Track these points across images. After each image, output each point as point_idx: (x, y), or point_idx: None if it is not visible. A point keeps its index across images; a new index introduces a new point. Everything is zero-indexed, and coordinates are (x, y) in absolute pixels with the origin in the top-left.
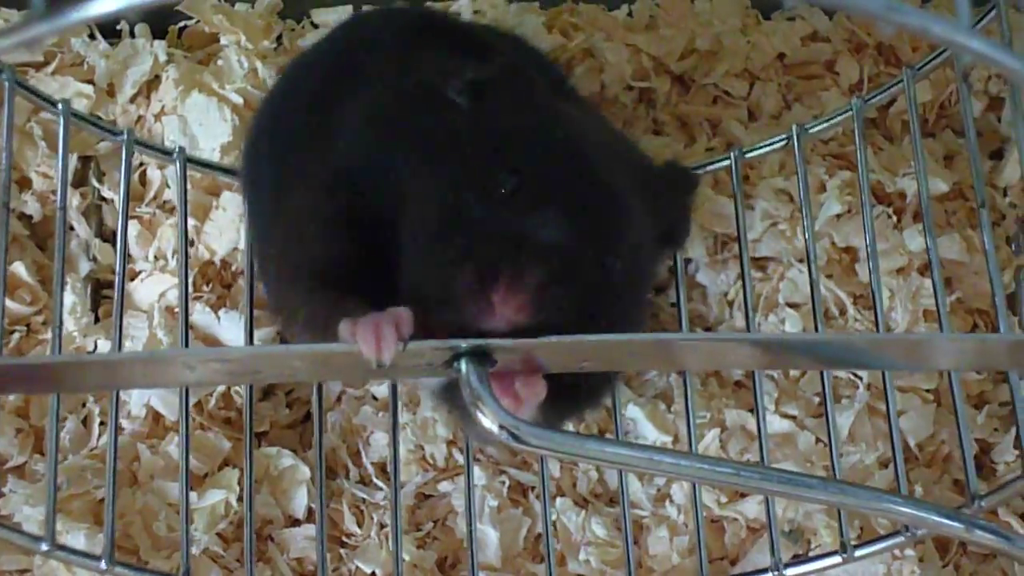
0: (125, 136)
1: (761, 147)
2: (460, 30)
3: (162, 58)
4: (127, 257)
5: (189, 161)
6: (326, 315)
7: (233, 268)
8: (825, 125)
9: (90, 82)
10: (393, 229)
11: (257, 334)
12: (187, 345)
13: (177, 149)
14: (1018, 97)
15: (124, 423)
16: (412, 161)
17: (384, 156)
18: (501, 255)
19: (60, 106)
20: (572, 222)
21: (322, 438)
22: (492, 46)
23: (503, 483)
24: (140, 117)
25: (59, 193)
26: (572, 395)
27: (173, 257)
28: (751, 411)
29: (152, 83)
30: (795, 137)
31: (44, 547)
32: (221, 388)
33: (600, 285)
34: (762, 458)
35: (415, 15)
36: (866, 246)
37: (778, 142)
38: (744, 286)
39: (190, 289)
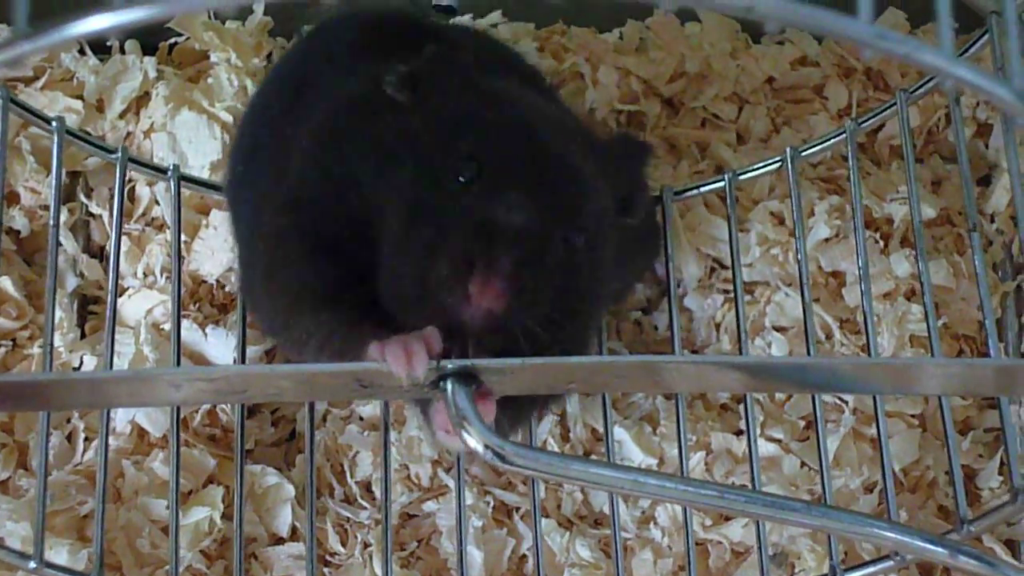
0: (119, 154)
1: (753, 169)
2: (405, 29)
3: (152, 75)
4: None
5: (183, 179)
6: (343, 340)
7: (227, 288)
8: (818, 148)
9: (79, 97)
10: (363, 238)
11: (246, 352)
12: (178, 363)
13: (171, 167)
14: (1008, 124)
15: (109, 440)
16: (368, 167)
17: (340, 167)
18: (472, 244)
19: (55, 123)
20: (536, 203)
21: (313, 457)
22: (428, 39)
23: (487, 503)
24: (129, 133)
25: (52, 210)
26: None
27: (162, 274)
28: (736, 434)
29: (142, 99)
30: (788, 160)
31: (32, 565)
32: (207, 405)
33: (566, 261)
34: (752, 481)
35: (368, 18)
36: (858, 269)
37: (771, 164)
38: (737, 309)
39: (173, 305)
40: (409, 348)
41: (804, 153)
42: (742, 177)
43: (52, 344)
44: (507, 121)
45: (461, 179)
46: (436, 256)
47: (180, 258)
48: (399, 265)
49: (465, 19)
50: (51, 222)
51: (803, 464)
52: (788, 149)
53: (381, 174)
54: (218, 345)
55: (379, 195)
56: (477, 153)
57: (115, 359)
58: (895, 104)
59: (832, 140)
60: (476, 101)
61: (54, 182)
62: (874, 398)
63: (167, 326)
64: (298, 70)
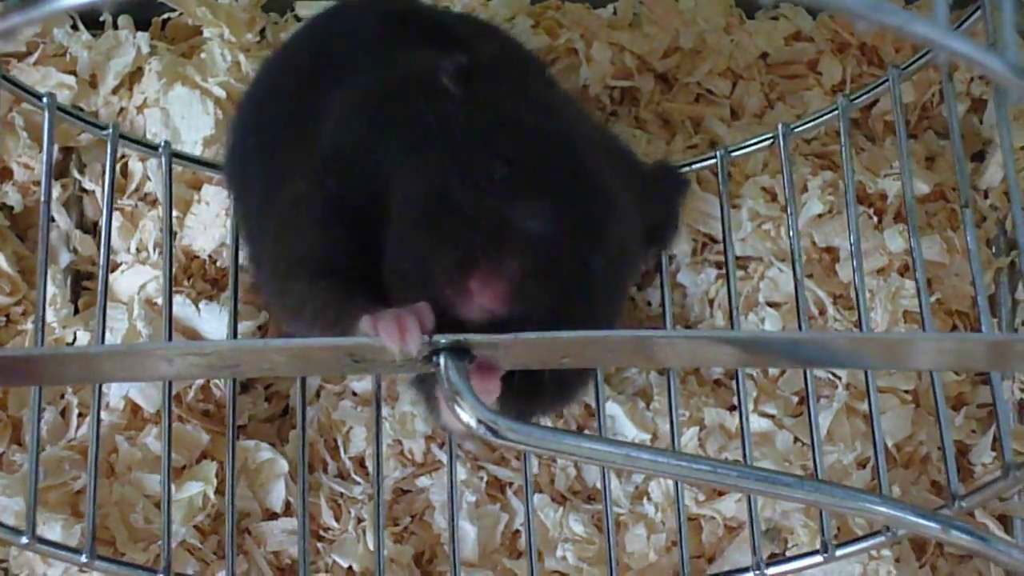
0: (110, 131)
1: (746, 146)
2: (442, 19)
3: (145, 50)
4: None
5: (174, 156)
6: (337, 311)
7: (218, 263)
8: (811, 124)
9: (72, 73)
10: (380, 213)
11: (238, 327)
12: (170, 338)
13: (162, 144)
14: (1001, 98)
15: (103, 415)
16: (401, 146)
17: (372, 142)
18: (483, 242)
19: (45, 99)
20: (558, 215)
21: (305, 432)
22: (476, 36)
23: (481, 479)
24: (122, 109)
25: (43, 187)
26: (538, 392)
27: (154, 250)
28: (730, 410)
29: (135, 75)
30: (781, 136)
31: (24, 540)
32: (200, 380)
33: (581, 282)
34: (744, 456)
35: (396, 4)
36: (850, 245)
37: (763, 141)
38: (728, 285)
39: (165, 280)
40: (402, 322)
41: (798, 129)
42: (735, 154)
43: (44, 319)
44: (549, 133)
45: (491, 177)
46: (447, 243)
47: (172, 234)
48: (410, 244)
49: None
50: (42, 198)
51: (796, 439)
52: (780, 125)
53: (413, 156)
54: (211, 320)
55: (405, 175)
56: (512, 155)
57: (108, 335)
58: (888, 80)
59: (825, 116)
60: (524, 107)
61: (45, 158)
62: (866, 373)
63: (160, 301)
64: (323, 49)
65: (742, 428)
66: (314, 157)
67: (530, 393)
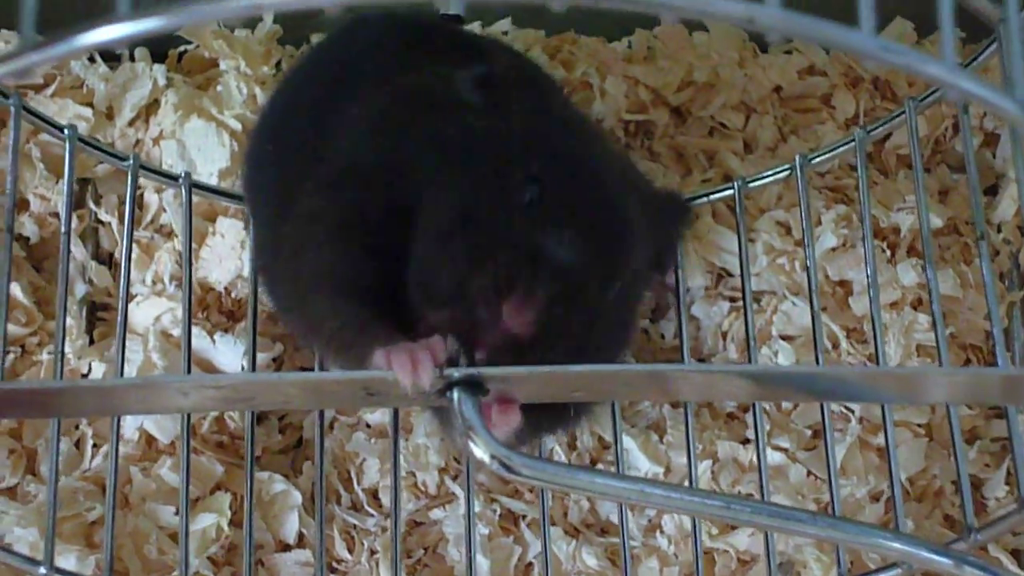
0: (131, 162)
1: (762, 177)
2: (461, 35)
3: (161, 82)
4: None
5: (194, 187)
6: (353, 335)
7: (233, 295)
8: (827, 156)
9: (89, 105)
10: (400, 228)
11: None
12: (189, 370)
13: (182, 174)
14: (1015, 133)
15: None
16: (424, 159)
17: (393, 154)
18: (520, 267)
19: (67, 131)
20: (587, 245)
21: (323, 464)
22: (494, 50)
23: (494, 511)
24: (139, 141)
25: (63, 218)
26: (543, 415)
27: (170, 281)
28: (743, 443)
29: (151, 107)
30: (798, 168)
31: (43, 571)
32: (214, 412)
33: (597, 308)
34: (761, 491)
35: (415, 19)
36: (866, 278)
37: (780, 172)
38: (746, 318)
39: (182, 312)
40: (415, 356)
41: (813, 161)
42: (751, 185)
43: (63, 352)
44: (575, 155)
45: (523, 198)
46: (481, 264)
47: (191, 264)
48: (439, 261)
49: (475, 26)
50: (62, 229)
51: (809, 473)
52: (797, 157)
53: (438, 169)
54: (227, 352)
55: (431, 189)
56: (543, 177)
57: (124, 366)
58: (904, 113)
59: (841, 148)
60: (548, 124)
61: (66, 189)
62: (882, 407)
63: (176, 332)
64: (341, 61)
65: (759, 463)
66: (331, 170)
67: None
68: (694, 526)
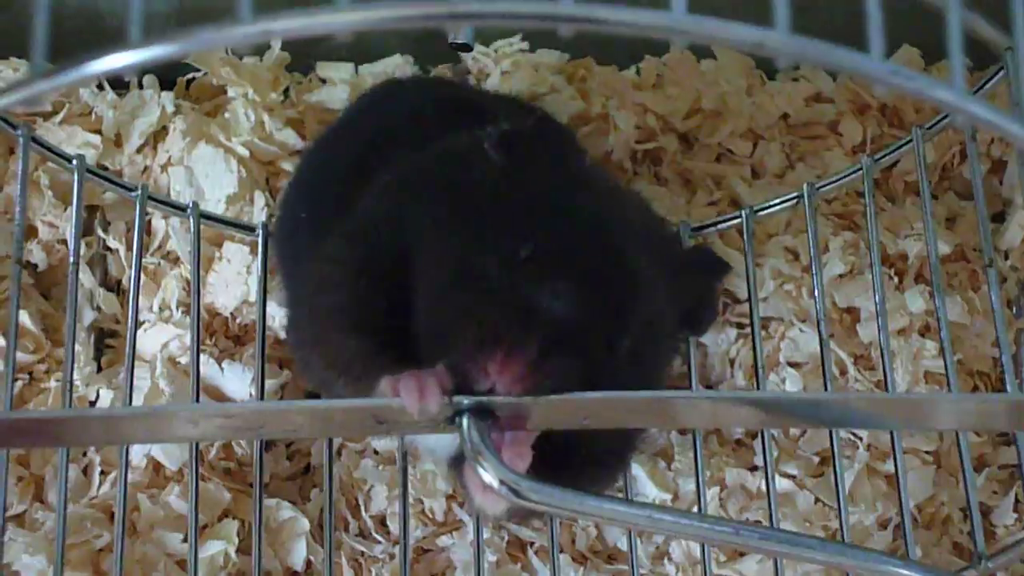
0: (139, 192)
1: (771, 205)
2: (487, 101)
3: (170, 109)
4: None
5: (202, 216)
6: (362, 367)
7: (239, 321)
8: (835, 184)
9: (98, 132)
10: (410, 276)
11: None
12: (198, 399)
13: (190, 204)
14: (1021, 158)
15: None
16: (435, 212)
17: (407, 207)
18: (505, 320)
19: (75, 162)
20: (582, 296)
21: (332, 492)
22: (518, 112)
23: (502, 538)
24: (147, 168)
25: (71, 248)
26: (577, 470)
27: (177, 308)
28: (751, 470)
29: (159, 134)
30: (806, 196)
31: None
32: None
33: (606, 363)
34: (771, 518)
35: (446, 88)
36: (875, 305)
37: (789, 200)
38: (754, 344)
39: (188, 339)
40: (421, 382)
41: (821, 189)
42: (760, 213)
43: (72, 381)
44: (579, 211)
45: (517, 254)
46: (468, 320)
47: (199, 294)
48: (434, 313)
49: (484, 49)
50: (71, 259)
51: (817, 500)
52: (805, 185)
53: (446, 222)
54: (234, 379)
55: (436, 242)
56: (540, 234)
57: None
58: (911, 141)
59: (849, 176)
60: (559, 182)
61: (73, 218)
62: (891, 434)
63: (183, 359)
64: (372, 128)
65: (768, 489)
66: (354, 220)
67: (562, 472)
68: (703, 552)
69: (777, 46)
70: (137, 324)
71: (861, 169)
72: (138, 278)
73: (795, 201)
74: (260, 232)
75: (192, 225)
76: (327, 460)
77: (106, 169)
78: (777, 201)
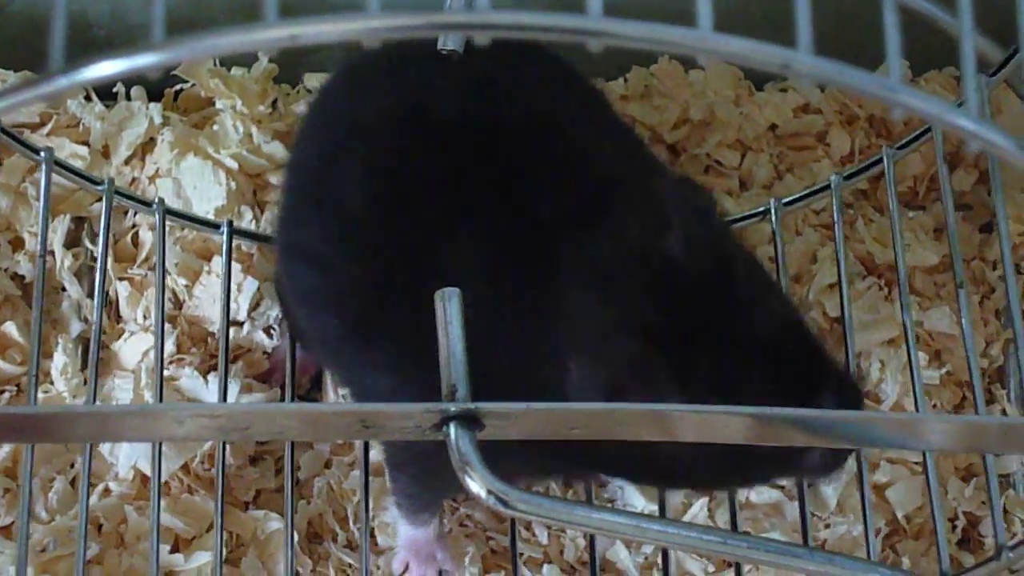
0: (106, 185)
1: (743, 217)
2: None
3: (158, 120)
4: (117, 317)
5: (169, 213)
6: None
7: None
8: (801, 203)
9: (85, 143)
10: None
11: (247, 398)
12: (161, 397)
13: (156, 200)
14: (995, 166)
15: (112, 485)
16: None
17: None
18: None
19: (43, 154)
20: None
21: (292, 497)
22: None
23: (493, 550)
24: (135, 179)
25: (40, 239)
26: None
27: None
28: None
29: (147, 145)
30: (773, 211)
31: None
32: (206, 448)
33: None
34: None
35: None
36: (843, 320)
37: (755, 215)
38: None
39: (173, 349)
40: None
41: (789, 205)
42: (738, 224)
43: (37, 376)
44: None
45: None
46: None
47: (164, 290)
48: None
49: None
50: (39, 252)
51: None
52: (772, 200)
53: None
54: (218, 393)
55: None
56: None
57: (114, 404)
58: (881, 160)
59: (818, 192)
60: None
61: (42, 210)
62: None
63: (168, 369)
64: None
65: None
66: None
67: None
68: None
69: (801, 68)
70: (120, 333)
71: (829, 187)
72: (104, 269)
73: (762, 217)
74: (224, 230)
75: (158, 221)
76: (289, 459)
77: (81, 170)
78: (742, 216)
